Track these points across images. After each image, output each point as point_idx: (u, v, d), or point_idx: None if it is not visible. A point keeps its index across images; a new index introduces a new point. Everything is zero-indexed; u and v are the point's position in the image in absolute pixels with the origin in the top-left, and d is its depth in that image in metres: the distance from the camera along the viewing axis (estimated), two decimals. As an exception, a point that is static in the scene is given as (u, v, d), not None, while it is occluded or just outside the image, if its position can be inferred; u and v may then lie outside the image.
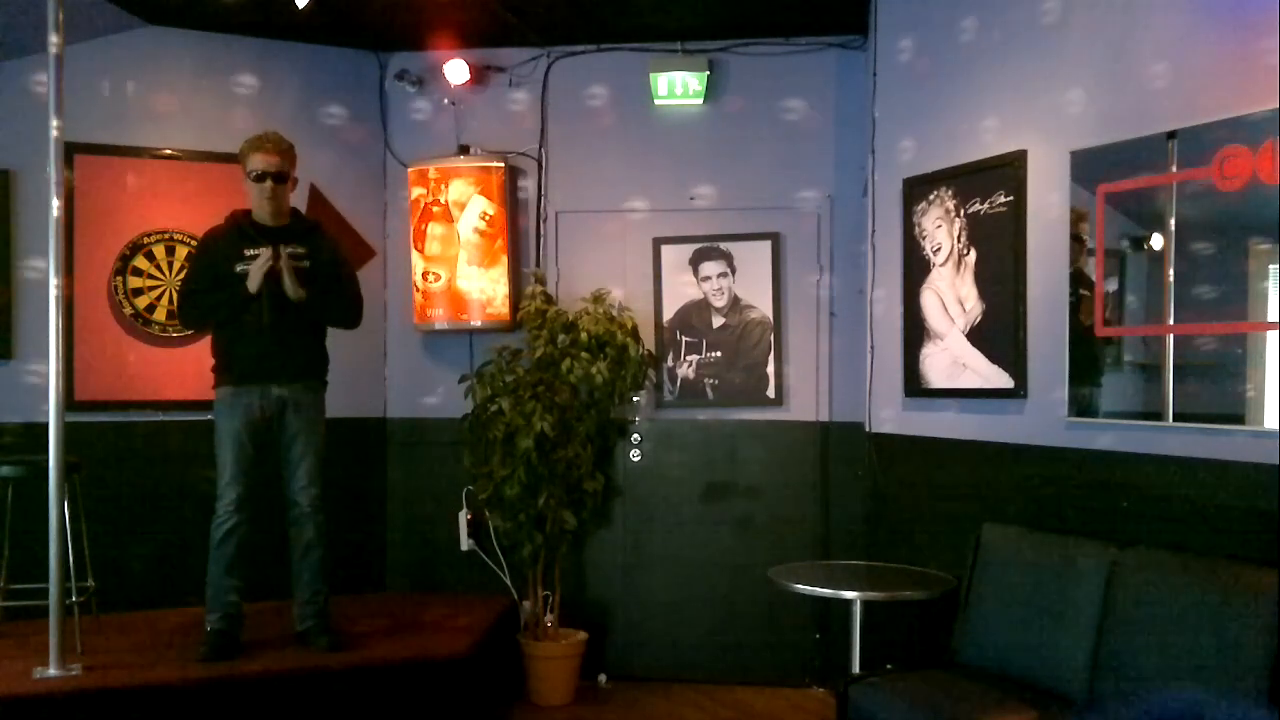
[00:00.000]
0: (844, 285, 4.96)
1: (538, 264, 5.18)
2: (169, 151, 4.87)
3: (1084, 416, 3.48)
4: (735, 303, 5.06)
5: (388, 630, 4.39)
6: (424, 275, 5.11)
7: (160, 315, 4.82)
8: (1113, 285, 3.42)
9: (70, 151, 4.24)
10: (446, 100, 5.22)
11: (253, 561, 4.00)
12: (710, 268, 5.07)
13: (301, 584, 4.06)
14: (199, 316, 4.04)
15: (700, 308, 5.09)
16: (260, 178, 3.90)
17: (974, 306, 3.93)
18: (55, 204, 3.65)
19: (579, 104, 5.18)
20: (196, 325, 4.17)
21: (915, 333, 4.21)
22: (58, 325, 3.65)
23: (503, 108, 5.21)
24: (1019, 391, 3.74)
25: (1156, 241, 3.27)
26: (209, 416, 4.01)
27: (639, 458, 5.13)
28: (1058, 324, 3.57)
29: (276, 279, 3.86)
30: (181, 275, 4.76)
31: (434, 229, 5.08)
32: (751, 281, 5.04)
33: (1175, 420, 3.15)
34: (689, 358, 5.09)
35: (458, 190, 5.05)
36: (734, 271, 5.05)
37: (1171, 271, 3.17)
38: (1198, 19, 3.13)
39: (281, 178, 3.92)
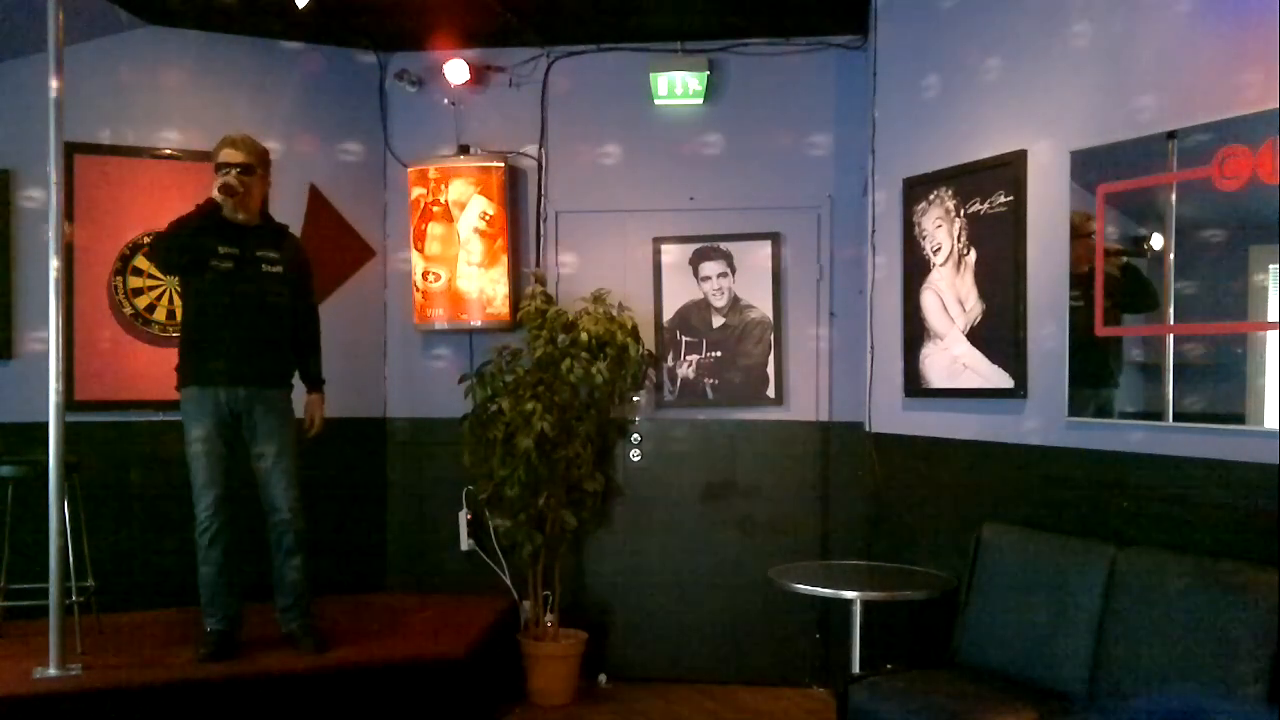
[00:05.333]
0: (844, 285, 4.96)
1: (538, 264, 5.18)
2: (169, 151, 4.87)
3: (1084, 416, 3.48)
4: (735, 303, 5.06)
5: (387, 630, 4.39)
6: (424, 275, 5.11)
7: (160, 315, 4.82)
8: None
9: (70, 151, 4.24)
10: (446, 100, 5.22)
11: (250, 563, 3.99)
12: (710, 268, 5.07)
13: (284, 588, 4.04)
14: (171, 247, 3.89)
15: (700, 308, 5.09)
16: (227, 171, 3.87)
17: (974, 306, 3.93)
18: (55, 204, 3.65)
19: (579, 104, 5.18)
20: (169, 257, 3.97)
21: (915, 333, 4.21)
22: (58, 325, 3.65)
23: (503, 108, 5.21)
24: (1019, 391, 3.74)
25: (1156, 241, 3.27)
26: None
27: (639, 458, 5.13)
28: (1058, 324, 3.57)
29: (230, 195, 3.84)
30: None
31: (434, 229, 5.08)
32: (751, 281, 5.04)
33: (1175, 420, 3.15)
34: (689, 358, 5.09)
35: (458, 190, 5.05)
36: (734, 271, 5.06)
37: (1171, 271, 3.17)
38: (1197, 19, 3.13)
39: (247, 170, 3.90)
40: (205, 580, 3.90)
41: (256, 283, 3.96)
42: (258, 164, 3.97)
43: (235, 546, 3.92)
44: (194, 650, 3.88)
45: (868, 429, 4.53)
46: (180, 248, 3.86)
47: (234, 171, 3.87)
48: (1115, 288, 3.38)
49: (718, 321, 5.08)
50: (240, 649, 3.93)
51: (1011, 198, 3.76)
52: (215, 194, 3.86)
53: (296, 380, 4.18)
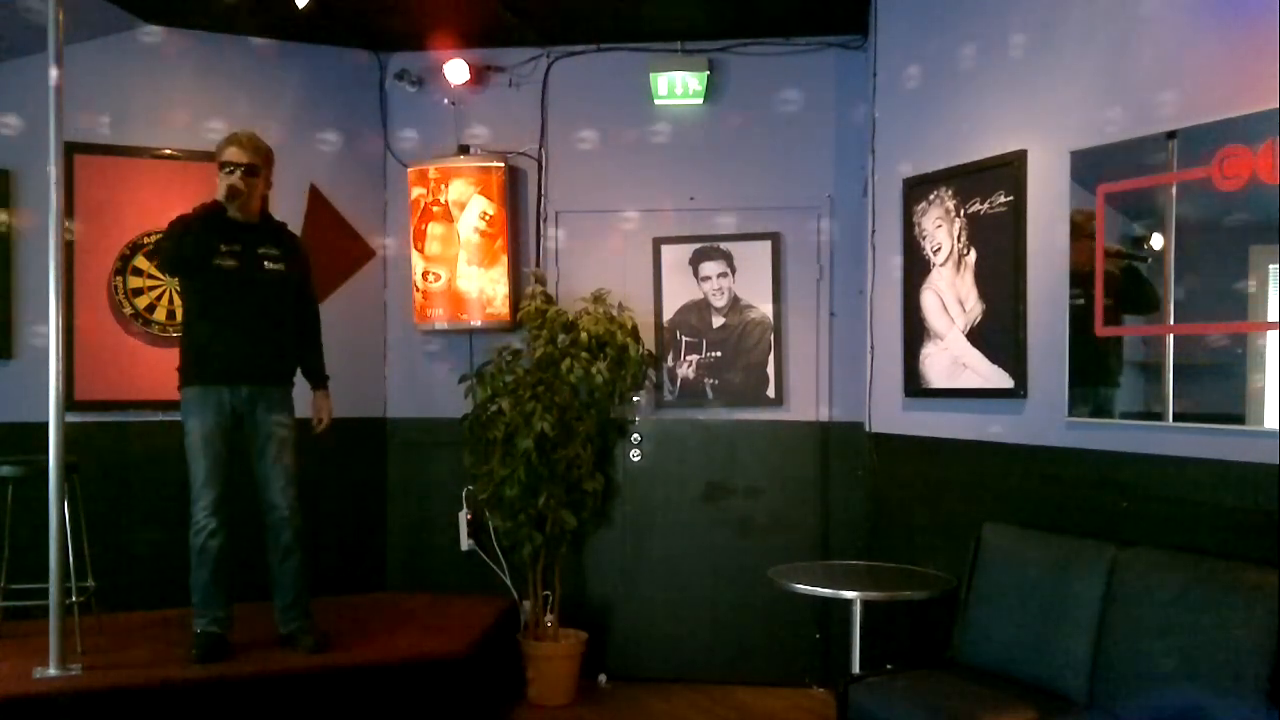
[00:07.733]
0: (844, 285, 4.96)
1: (538, 264, 5.18)
2: (169, 151, 4.87)
3: (1084, 416, 3.48)
4: (735, 303, 5.06)
5: (387, 630, 4.39)
6: (424, 275, 5.11)
7: (160, 315, 4.82)
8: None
9: (70, 151, 4.24)
10: (446, 100, 5.22)
11: (244, 562, 3.97)
12: (710, 268, 5.07)
13: (283, 588, 4.03)
14: (174, 248, 3.86)
15: (700, 308, 5.10)
16: (232, 170, 3.87)
17: (974, 306, 3.93)
18: (55, 204, 3.65)
19: (579, 104, 5.18)
20: (175, 256, 3.91)
21: (915, 333, 4.21)
22: (58, 325, 3.65)
23: (503, 108, 5.21)
24: (1019, 391, 3.74)
25: (1156, 241, 3.27)
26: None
27: (639, 458, 5.14)
28: (1058, 324, 3.56)
29: (234, 197, 3.83)
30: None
31: (434, 229, 5.08)
32: (751, 281, 5.04)
33: (1175, 420, 3.15)
34: (689, 358, 5.09)
35: (458, 190, 5.05)
36: (734, 271, 5.06)
37: (1171, 271, 3.17)
38: (1198, 19, 3.13)
39: (251, 170, 3.89)
40: (198, 583, 3.87)
41: (258, 281, 3.95)
42: (262, 164, 3.96)
43: (230, 549, 3.89)
44: (186, 652, 3.86)
45: (868, 429, 4.53)
46: (183, 249, 3.84)
47: (239, 172, 3.86)
48: (1116, 288, 3.38)
49: (718, 321, 5.08)
50: (230, 651, 3.90)
51: (1011, 198, 3.76)
52: (219, 196, 3.85)
53: (298, 379, 4.17)
